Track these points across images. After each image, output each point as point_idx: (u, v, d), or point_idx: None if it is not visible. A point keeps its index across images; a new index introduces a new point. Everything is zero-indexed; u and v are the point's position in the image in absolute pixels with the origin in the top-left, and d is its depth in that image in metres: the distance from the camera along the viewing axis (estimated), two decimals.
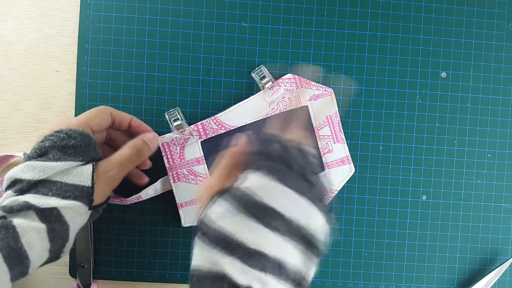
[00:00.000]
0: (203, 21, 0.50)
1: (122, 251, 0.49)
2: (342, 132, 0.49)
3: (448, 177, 0.50)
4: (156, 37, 0.49)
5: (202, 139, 0.48)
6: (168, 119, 0.47)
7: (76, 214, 0.36)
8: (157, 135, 0.45)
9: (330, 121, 0.48)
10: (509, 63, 0.51)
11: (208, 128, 0.47)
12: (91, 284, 0.48)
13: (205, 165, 0.48)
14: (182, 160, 0.47)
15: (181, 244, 0.49)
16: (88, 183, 0.36)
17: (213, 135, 0.48)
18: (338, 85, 0.50)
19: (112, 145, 0.46)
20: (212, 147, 0.48)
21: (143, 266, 0.49)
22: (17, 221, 0.33)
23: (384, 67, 0.50)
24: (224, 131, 0.48)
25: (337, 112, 0.49)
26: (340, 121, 0.49)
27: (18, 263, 0.32)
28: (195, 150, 0.47)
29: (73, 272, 0.49)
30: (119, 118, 0.44)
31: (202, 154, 0.48)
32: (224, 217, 0.29)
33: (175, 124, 0.47)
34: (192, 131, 0.47)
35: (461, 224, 0.51)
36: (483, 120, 0.51)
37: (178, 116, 0.47)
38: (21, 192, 0.35)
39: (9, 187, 0.36)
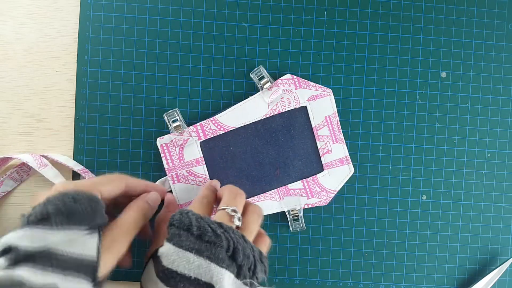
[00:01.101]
0: (203, 21, 0.50)
1: None
2: (341, 132, 0.49)
3: (448, 177, 0.50)
4: (156, 37, 0.49)
5: (201, 140, 0.48)
6: (166, 120, 0.47)
7: None
8: (157, 194, 0.43)
9: (329, 121, 0.48)
10: (509, 63, 0.51)
11: (207, 129, 0.48)
12: None
13: (205, 166, 0.48)
14: (182, 161, 0.47)
15: None
16: (92, 255, 0.32)
17: (212, 136, 0.48)
18: (338, 85, 0.50)
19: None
20: (211, 147, 0.48)
21: (143, 266, 0.49)
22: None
23: (384, 67, 0.50)
24: (223, 132, 0.48)
25: (336, 113, 0.49)
26: (339, 122, 0.49)
27: None
28: (194, 151, 0.47)
29: None
30: (133, 187, 0.41)
31: (202, 155, 0.48)
32: (148, 280, 0.36)
33: (174, 125, 0.47)
34: (191, 132, 0.47)
35: (461, 224, 0.51)
36: (483, 120, 0.51)
37: (177, 117, 0.47)
38: (15, 262, 0.30)
39: (1, 254, 0.31)
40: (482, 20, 0.51)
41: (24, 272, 0.29)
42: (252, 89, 0.50)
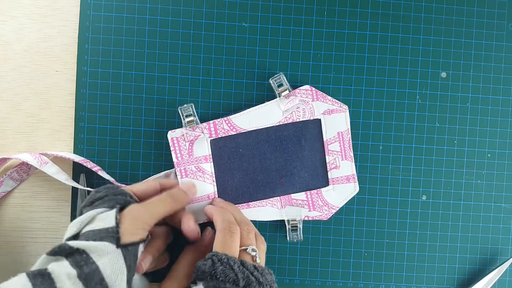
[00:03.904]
0: (203, 21, 0.50)
1: None
2: (352, 150, 0.49)
3: (448, 177, 0.50)
4: (156, 37, 0.49)
5: (212, 138, 0.48)
6: (181, 114, 0.47)
7: (103, 253, 0.35)
8: (196, 186, 0.47)
9: (341, 137, 0.48)
10: (509, 63, 0.51)
11: (220, 128, 0.48)
12: None
13: (212, 163, 0.48)
14: (191, 156, 0.47)
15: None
16: (112, 223, 0.37)
17: (223, 135, 0.48)
18: (338, 85, 0.50)
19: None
20: (221, 147, 0.48)
21: None
22: (51, 267, 0.34)
23: (384, 67, 0.50)
24: (235, 133, 0.48)
25: (349, 130, 0.49)
26: (350, 139, 0.49)
27: None
28: (203, 148, 0.47)
29: None
30: (169, 187, 0.46)
31: (210, 153, 0.48)
32: None
33: (187, 119, 0.47)
34: (203, 129, 0.47)
35: (461, 224, 0.51)
36: (483, 120, 0.51)
37: (192, 112, 0.47)
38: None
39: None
40: (482, 20, 0.51)
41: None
42: (252, 89, 0.50)
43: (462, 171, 0.51)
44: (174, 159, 0.47)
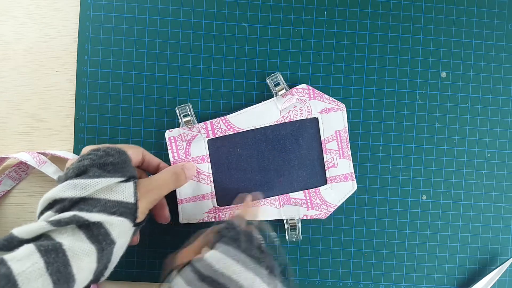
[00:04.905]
0: (203, 21, 0.50)
1: None
2: (349, 148, 0.49)
3: (448, 177, 0.50)
4: (156, 37, 0.49)
5: (209, 138, 0.48)
6: (178, 114, 0.47)
7: (122, 231, 0.35)
8: (195, 166, 0.47)
9: (338, 136, 0.48)
10: (509, 63, 0.51)
11: (217, 127, 0.48)
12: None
13: (209, 164, 0.48)
14: (188, 156, 0.47)
15: (181, 244, 0.49)
16: (131, 199, 0.36)
17: (220, 135, 0.48)
18: (338, 85, 0.50)
19: None
20: (218, 146, 0.48)
21: (143, 266, 0.49)
22: (67, 244, 0.31)
23: (384, 67, 0.50)
24: (232, 133, 0.48)
25: (346, 128, 0.49)
26: (348, 138, 0.49)
27: (65, 286, 0.31)
28: (201, 148, 0.48)
29: None
30: (148, 160, 0.44)
31: (208, 153, 0.48)
32: (189, 284, 0.34)
33: (185, 119, 0.47)
34: (200, 129, 0.47)
35: (461, 224, 0.51)
36: (483, 120, 0.51)
37: (189, 112, 0.47)
38: (62, 211, 0.33)
39: (47, 208, 0.34)
40: (482, 20, 0.51)
41: (75, 212, 0.33)
42: (252, 89, 0.50)
43: (462, 171, 0.51)
44: (171, 158, 0.47)
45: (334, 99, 0.48)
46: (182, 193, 0.47)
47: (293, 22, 0.50)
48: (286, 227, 0.48)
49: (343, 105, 0.49)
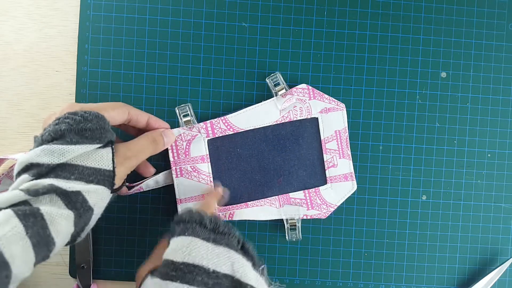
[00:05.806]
0: (203, 21, 0.50)
1: (122, 251, 0.49)
2: (349, 148, 0.49)
3: (448, 177, 0.50)
4: (156, 37, 0.49)
5: (209, 138, 0.48)
6: (178, 114, 0.47)
7: (99, 198, 0.35)
8: (174, 133, 0.46)
9: (338, 135, 0.48)
10: (509, 63, 0.51)
11: (217, 127, 0.48)
12: (91, 284, 0.48)
13: (209, 163, 0.48)
14: (187, 156, 0.47)
15: None
16: (109, 166, 0.36)
17: (220, 135, 0.48)
18: (338, 85, 0.50)
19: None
20: (218, 146, 0.48)
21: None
22: (45, 209, 0.32)
23: (384, 67, 0.50)
24: (232, 133, 0.48)
25: (346, 128, 0.49)
26: (348, 137, 0.49)
27: (45, 249, 0.32)
28: (201, 148, 0.47)
29: (73, 273, 0.49)
30: (136, 116, 0.43)
31: (208, 153, 0.48)
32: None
33: (184, 119, 0.47)
34: (200, 129, 0.47)
35: (461, 224, 0.51)
36: (483, 120, 0.51)
37: (188, 112, 0.47)
38: (39, 176, 0.33)
39: (23, 171, 0.34)
40: (482, 20, 0.51)
41: (52, 181, 0.33)
42: (252, 89, 0.50)
43: (462, 171, 0.51)
44: (171, 158, 0.47)
45: (334, 99, 0.48)
46: (182, 192, 0.47)
47: (293, 22, 0.50)
48: (286, 227, 0.48)
49: (343, 105, 0.49)
